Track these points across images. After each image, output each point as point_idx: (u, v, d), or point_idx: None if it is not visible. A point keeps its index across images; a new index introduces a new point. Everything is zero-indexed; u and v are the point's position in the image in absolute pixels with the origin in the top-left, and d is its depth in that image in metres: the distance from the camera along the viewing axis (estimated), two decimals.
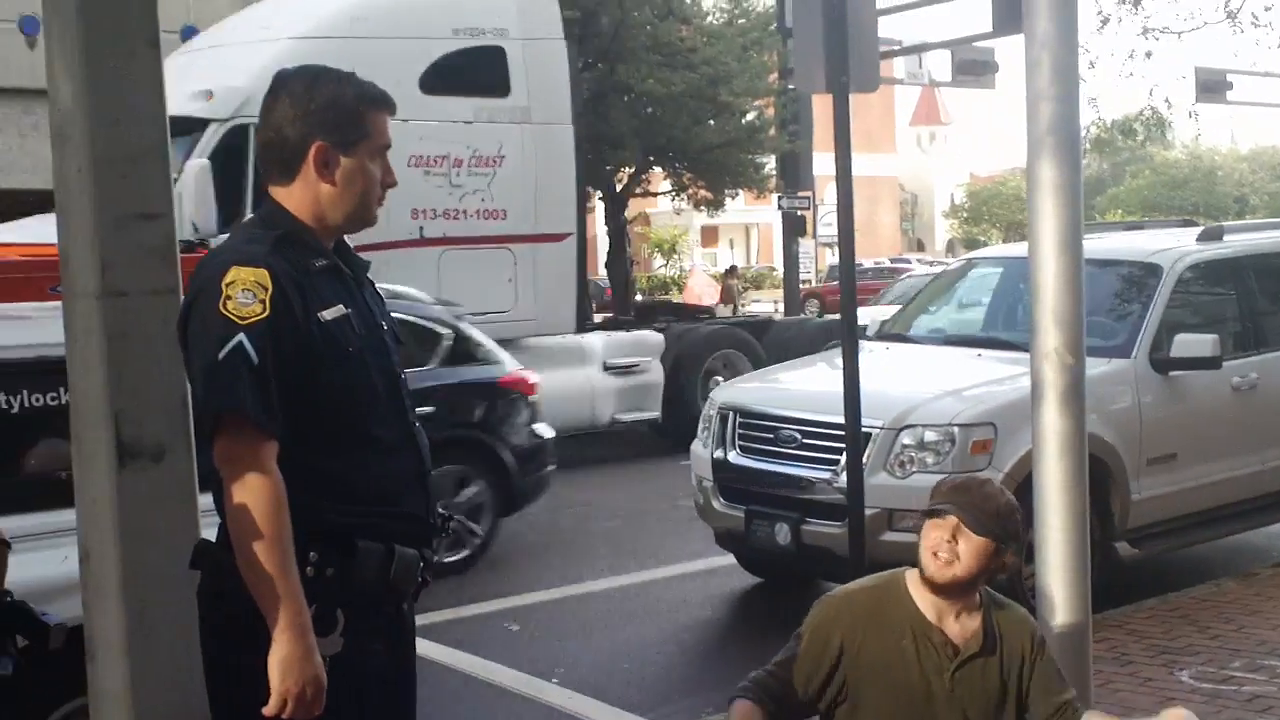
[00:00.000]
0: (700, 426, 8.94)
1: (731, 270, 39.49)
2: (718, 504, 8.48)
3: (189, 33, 17.18)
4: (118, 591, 3.93)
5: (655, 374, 15.35)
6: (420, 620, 8.20)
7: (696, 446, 8.87)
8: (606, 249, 25.58)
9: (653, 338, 15.75)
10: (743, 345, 16.45)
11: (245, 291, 2.96)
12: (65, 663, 4.32)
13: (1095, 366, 7.30)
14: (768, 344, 16.56)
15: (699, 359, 15.96)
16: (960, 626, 3.51)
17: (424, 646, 7.57)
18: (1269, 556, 9.51)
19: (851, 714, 3.53)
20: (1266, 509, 9.09)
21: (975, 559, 3.42)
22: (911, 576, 3.58)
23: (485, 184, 13.34)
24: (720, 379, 15.49)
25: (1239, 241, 9.52)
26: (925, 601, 3.51)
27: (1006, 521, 3.47)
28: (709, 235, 67.97)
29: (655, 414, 15.30)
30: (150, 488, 3.93)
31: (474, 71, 13.55)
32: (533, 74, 14.03)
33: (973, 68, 26.31)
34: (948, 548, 3.43)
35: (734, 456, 8.41)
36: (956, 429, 7.49)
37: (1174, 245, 9.11)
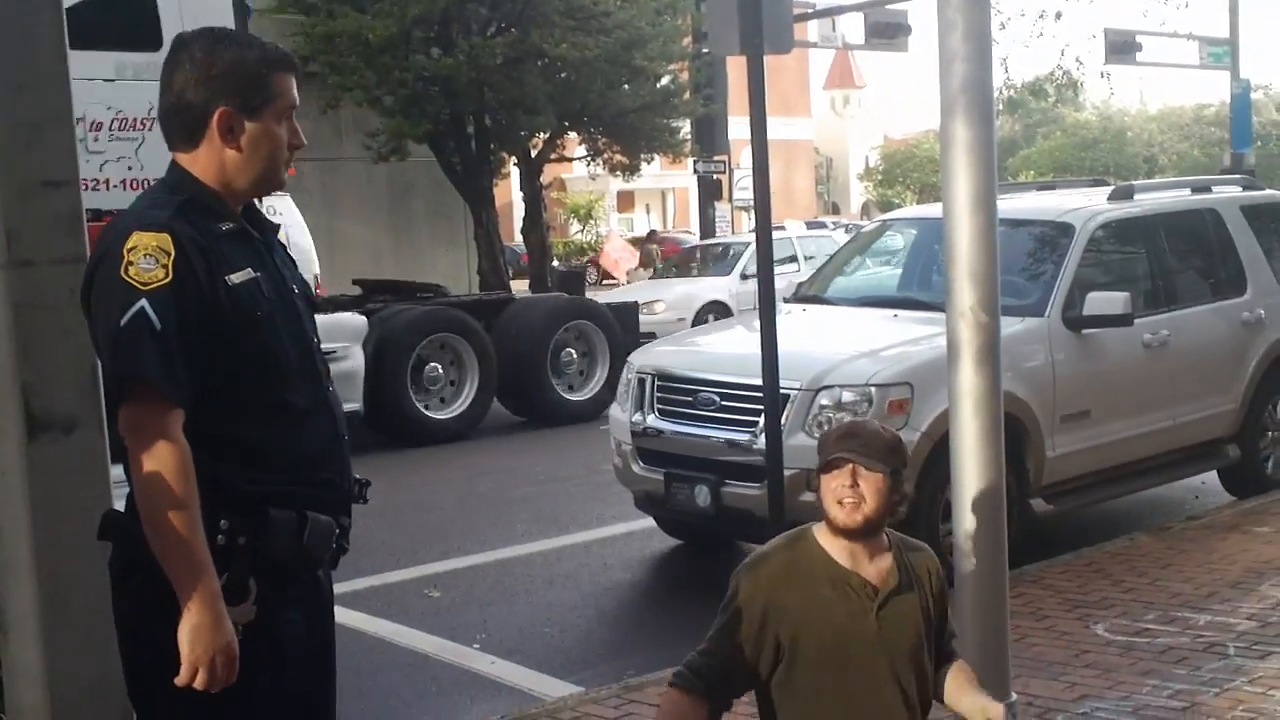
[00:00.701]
0: (619, 390, 8.94)
1: (651, 235, 39.39)
2: (637, 467, 8.49)
3: None
4: (30, 566, 3.87)
5: (354, 361, 13.71)
6: (340, 588, 8.15)
7: (615, 410, 8.87)
8: (522, 215, 25.52)
9: (352, 321, 14.06)
10: (462, 328, 14.68)
11: (147, 257, 2.90)
12: None
13: (1009, 325, 7.37)
14: (500, 326, 15.18)
15: (406, 346, 14.20)
16: (875, 568, 3.56)
17: (344, 615, 7.56)
18: (1182, 510, 9.66)
19: (789, 674, 3.55)
20: (1178, 464, 9.24)
21: (878, 496, 3.49)
22: (819, 529, 3.61)
23: (132, 150, 11.49)
24: (438, 366, 14.48)
25: (1149, 200, 9.64)
26: (837, 549, 3.55)
27: (897, 451, 3.55)
28: (625, 200, 67.86)
29: (356, 405, 13.59)
30: (61, 460, 3.88)
31: (117, 21, 11.46)
32: (191, 25, 12.51)
33: (886, 30, 26.51)
34: (852, 493, 3.48)
35: (653, 420, 8.41)
36: (874, 389, 7.54)
37: (1085, 205, 9.20)
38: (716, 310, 22.78)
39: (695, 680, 3.56)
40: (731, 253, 25.02)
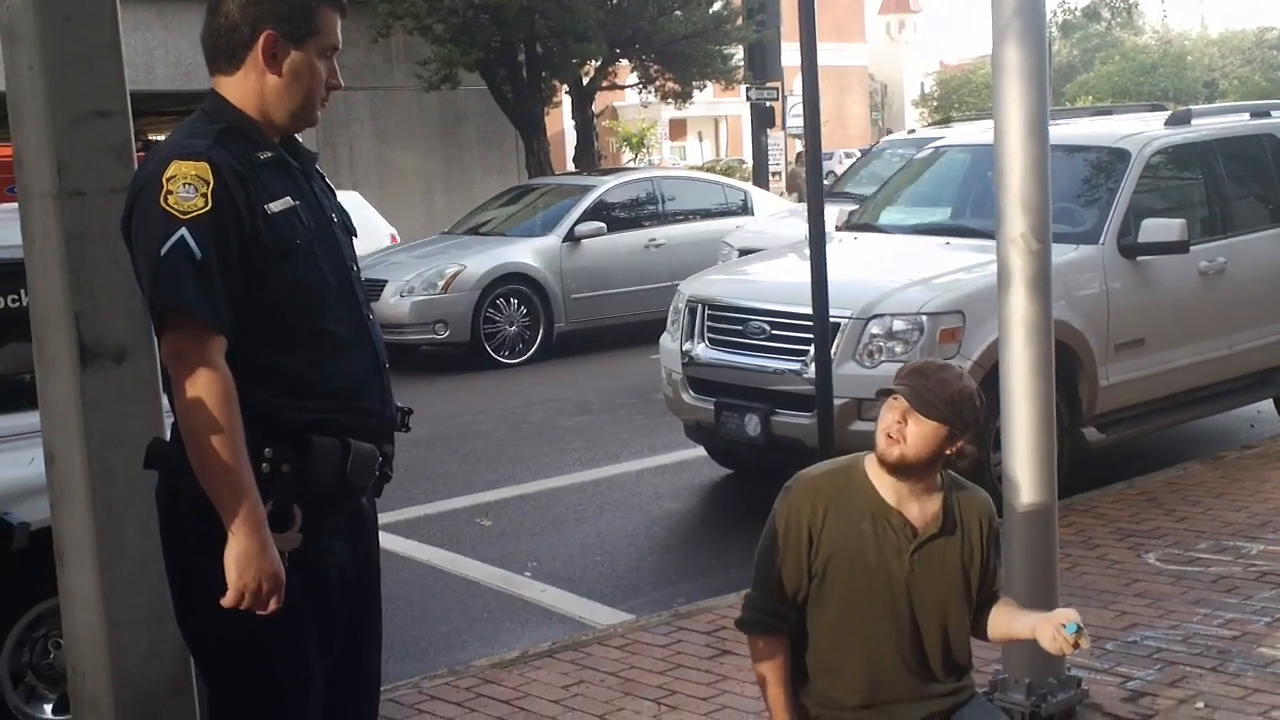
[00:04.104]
0: (669, 319, 8.93)
1: (800, 158, 35.67)
2: (687, 397, 8.50)
3: None
4: (84, 493, 3.92)
5: None
6: (393, 516, 8.25)
7: (665, 340, 8.86)
8: (574, 144, 25.44)
9: None
10: None
11: (186, 186, 2.91)
12: (36, 565, 4.35)
13: (1063, 253, 7.31)
14: None
15: None
16: (920, 509, 3.54)
17: (397, 542, 7.66)
18: (1236, 440, 9.59)
19: (818, 594, 3.56)
20: (1233, 393, 9.14)
21: (924, 441, 3.44)
22: (870, 461, 3.60)
23: None
24: None
25: (1206, 125, 9.48)
26: (884, 484, 3.54)
27: (960, 408, 3.46)
28: (677, 128, 67.53)
29: None
30: (113, 388, 3.92)
31: None
32: None
33: None
34: (898, 429, 3.45)
35: (703, 349, 8.40)
36: (925, 318, 7.50)
37: (1142, 130, 9.07)
38: None
39: (772, 620, 3.56)
40: None
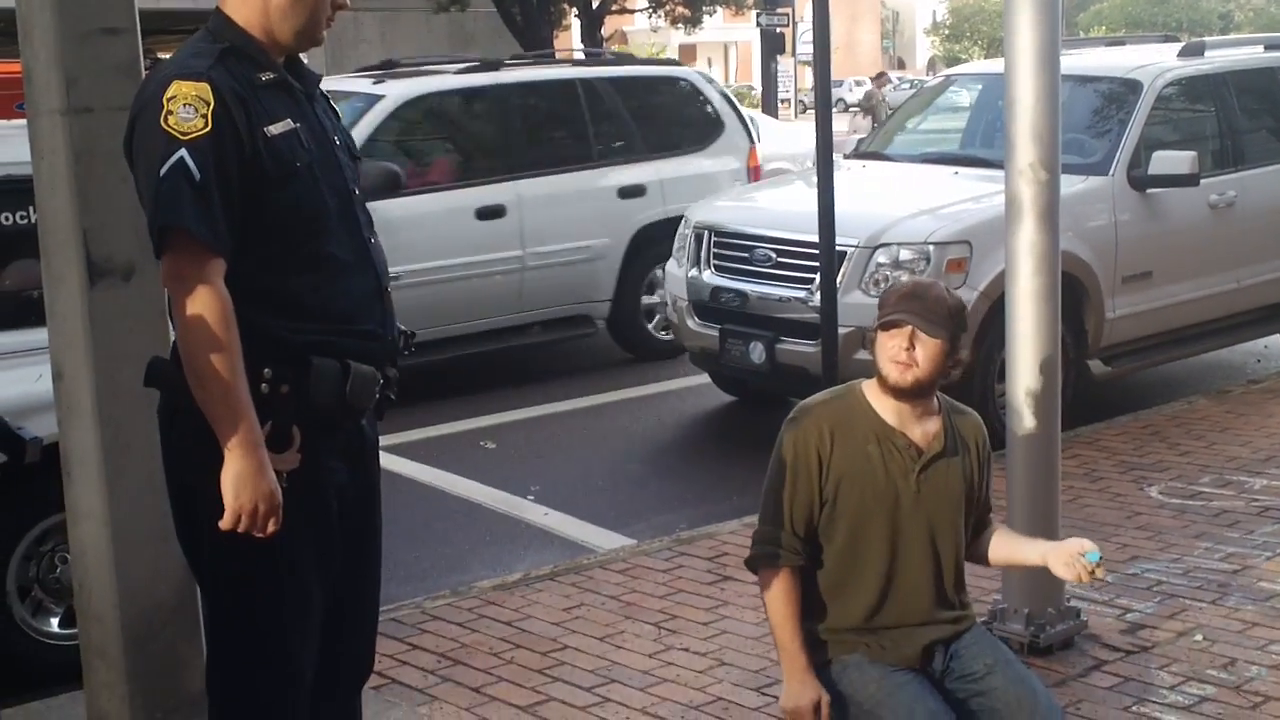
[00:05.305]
0: (675, 245, 8.90)
1: (881, 76, 31.05)
2: (692, 323, 8.49)
3: None
4: (92, 410, 3.94)
5: None
6: (396, 438, 8.26)
7: (671, 266, 8.85)
8: None
9: None
10: None
11: (187, 106, 2.89)
12: (44, 480, 4.37)
13: (1072, 184, 7.29)
14: None
15: None
16: (921, 430, 3.58)
17: (401, 464, 7.69)
18: (1242, 374, 9.60)
19: (829, 522, 3.58)
20: (1241, 327, 9.14)
21: (933, 361, 3.49)
22: (869, 386, 3.63)
23: None
24: None
25: (1220, 57, 9.42)
26: (885, 408, 3.57)
27: (959, 319, 3.55)
28: (687, 54, 67.09)
29: None
30: (121, 306, 3.93)
31: None
32: None
33: None
34: (906, 354, 3.49)
35: (709, 276, 8.39)
36: (932, 247, 7.48)
37: (1154, 61, 9.01)
38: None
39: (779, 551, 3.58)
40: None
